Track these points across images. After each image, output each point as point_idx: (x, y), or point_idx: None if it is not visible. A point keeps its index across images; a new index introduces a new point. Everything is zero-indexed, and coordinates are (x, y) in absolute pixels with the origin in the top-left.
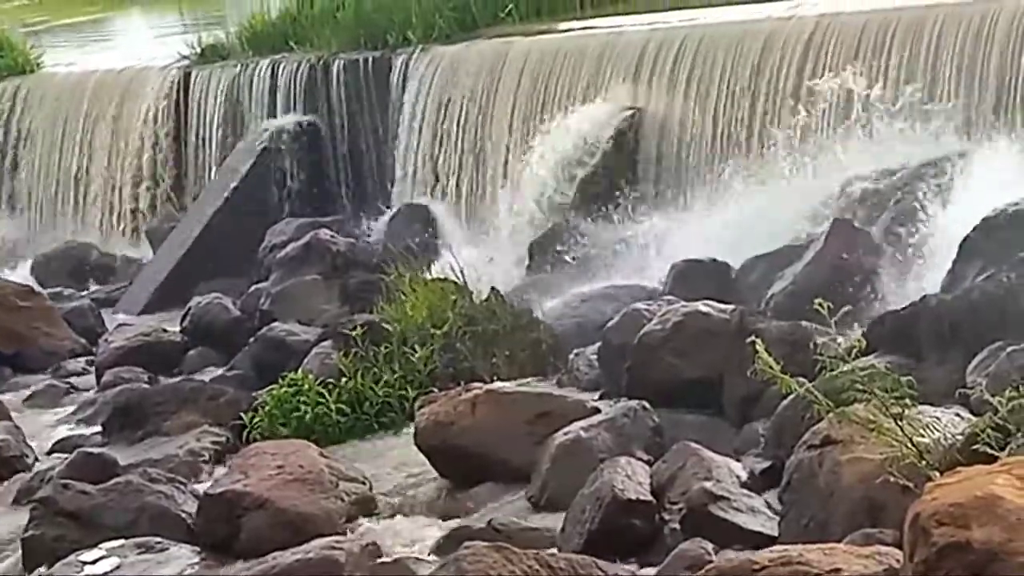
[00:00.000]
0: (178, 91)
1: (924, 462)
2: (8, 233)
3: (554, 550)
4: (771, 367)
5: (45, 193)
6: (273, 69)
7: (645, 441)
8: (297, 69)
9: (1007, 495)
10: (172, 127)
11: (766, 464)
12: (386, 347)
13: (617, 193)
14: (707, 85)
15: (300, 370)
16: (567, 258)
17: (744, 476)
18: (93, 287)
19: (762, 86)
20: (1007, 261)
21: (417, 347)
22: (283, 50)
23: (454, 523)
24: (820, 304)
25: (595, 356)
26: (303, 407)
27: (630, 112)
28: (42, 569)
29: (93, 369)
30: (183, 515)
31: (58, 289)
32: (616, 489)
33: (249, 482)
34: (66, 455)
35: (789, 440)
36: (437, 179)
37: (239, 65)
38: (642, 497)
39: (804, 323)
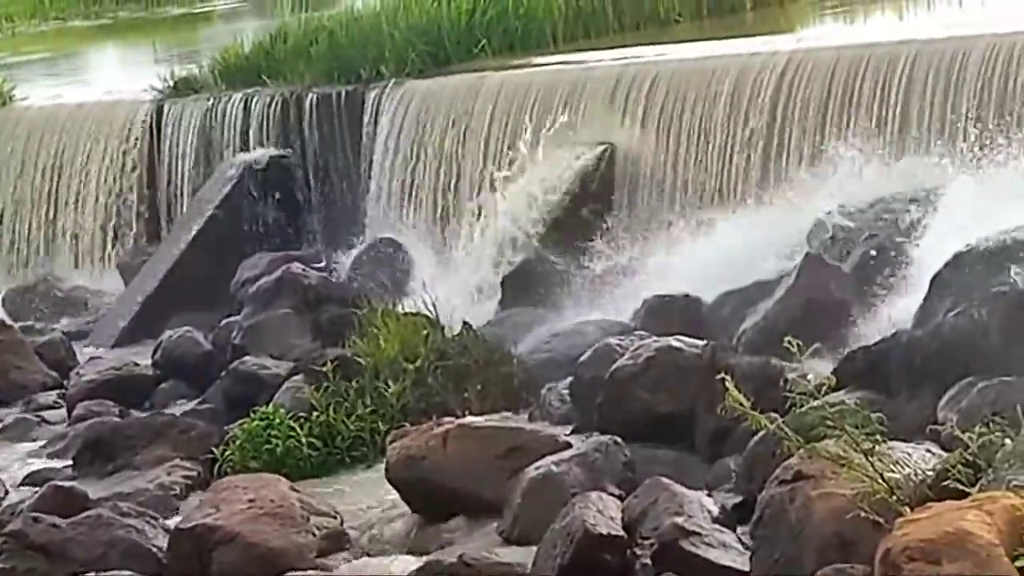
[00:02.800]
0: (150, 124)
1: (895, 498)
2: None
3: None
4: (741, 404)
5: (17, 226)
6: (246, 102)
7: (617, 476)
8: (270, 103)
9: (977, 531)
10: (144, 160)
11: (737, 499)
12: (358, 381)
13: (590, 227)
14: (679, 120)
15: (272, 404)
16: (540, 293)
17: (716, 511)
18: (65, 320)
19: (734, 121)
20: (978, 297)
21: (389, 381)
22: (256, 84)
23: (425, 557)
24: (791, 342)
25: (567, 391)
26: (274, 441)
27: (602, 147)
28: None
29: (64, 402)
30: (154, 549)
31: (30, 322)
32: (587, 524)
33: (220, 516)
34: (36, 488)
35: (760, 475)
36: (410, 213)
37: (212, 98)
38: (613, 532)
39: (775, 359)
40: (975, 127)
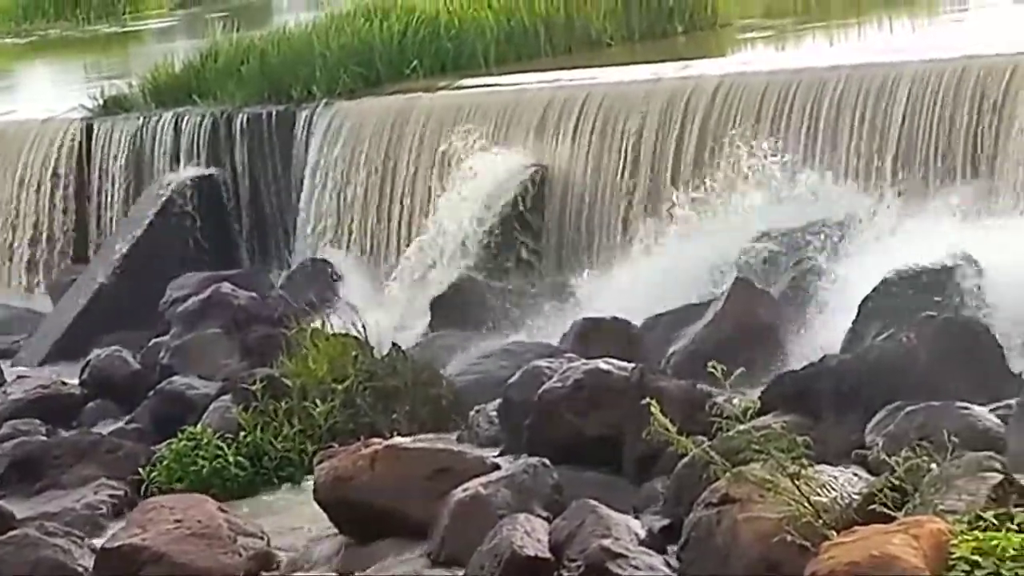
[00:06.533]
0: (80, 143)
1: (821, 521)
2: None
3: None
4: (667, 428)
5: None
6: (176, 122)
7: (545, 498)
8: (201, 122)
9: (903, 555)
10: (74, 179)
11: (665, 522)
12: (286, 401)
13: (520, 249)
14: (610, 142)
15: (199, 424)
16: (469, 314)
17: (643, 534)
18: None
19: (665, 144)
20: (906, 321)
21: (317, 402)
22: (187, 103)
23: None
24: (715, 367)
25: (496, 413)
26: (202, 461)
27: (534, 169)
28: None
29: None
30: (80, 569)
31: None
32: (515, 546)
33: (147, 536)
34: None
35: (688, 498)
36: (340, 234)
37: (142, 117)
38: (541, 554)
39: (703, 383)
40: (904, 152)
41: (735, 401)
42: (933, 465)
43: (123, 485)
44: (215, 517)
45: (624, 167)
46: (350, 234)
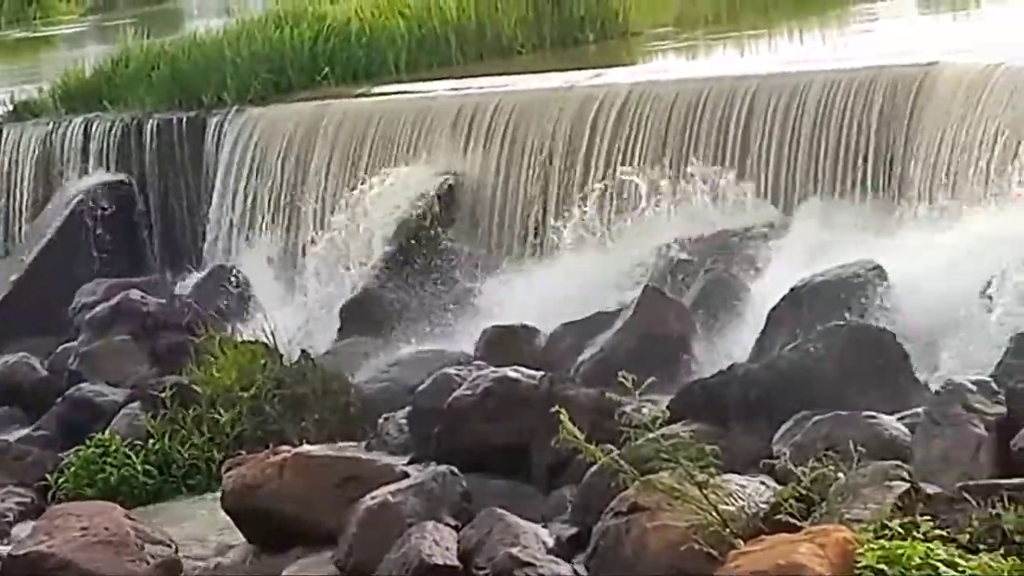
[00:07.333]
0: None
1: (728, 530)
2: None
3: None
4: (575, 437)
5: None
6: (86, 127)
7: (453, 506)
8: (111, 128)
9: (810, 563)
10: None
11: (573, 531)
12: (194, 409)
13: (431, 257)
14: (520, 150)
15: (108, 431)
16: (379, 322)
17: (551, 542)
18: None
19: (576, 152)
20: (814, 330)
21: (225, 409)
22: (97, 108)
23: None
24: (625, 376)
25: (405, 420)
26: (109, 468)
27: (445, 176)
28: None
29: None
30: None
31: None
32: (423, 554)
33: (53, 544)
34: None
35: (596, 507)
36: (249, 241)
37: (52, 123)
38: (449, 562)
39: (612, 391)
40: (813, 161)
41: (644, 410)
42: (840, 474)
43: (30, 492)
44: (122, 525)
45: (535, 174)
46: (260, 241)
